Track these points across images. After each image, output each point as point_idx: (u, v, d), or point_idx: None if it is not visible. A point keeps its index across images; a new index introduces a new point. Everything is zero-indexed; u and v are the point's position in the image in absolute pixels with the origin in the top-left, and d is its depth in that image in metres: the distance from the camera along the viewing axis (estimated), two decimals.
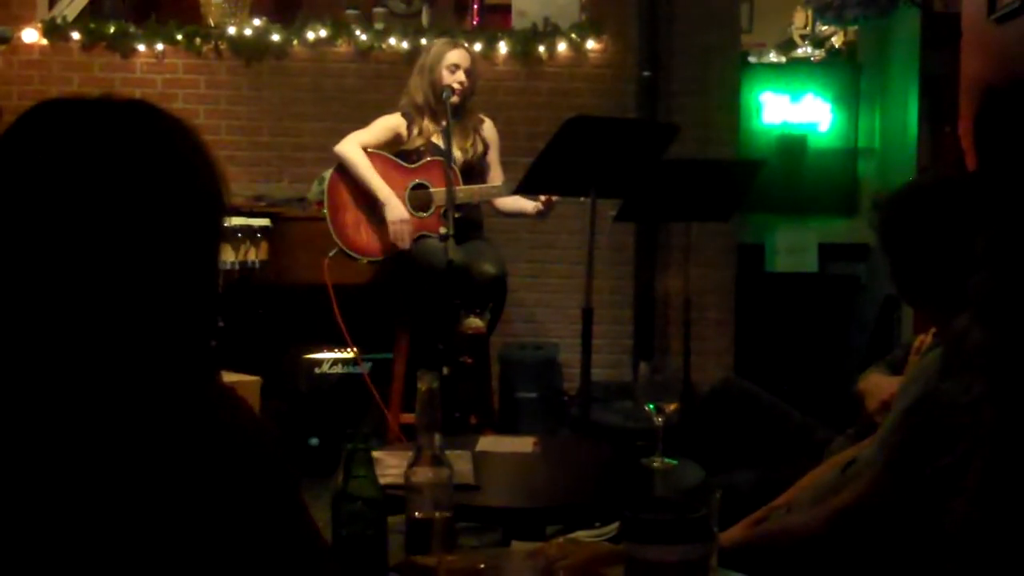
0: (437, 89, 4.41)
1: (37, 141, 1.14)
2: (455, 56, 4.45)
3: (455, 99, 4.27)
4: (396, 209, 4.35)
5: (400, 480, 1.87)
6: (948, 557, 1.08)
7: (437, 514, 1.82)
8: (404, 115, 4.53)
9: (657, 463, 2.61)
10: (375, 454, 1.80)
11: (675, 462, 2.63)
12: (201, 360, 1.21)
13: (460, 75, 4.40)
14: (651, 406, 2.57)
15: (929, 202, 1.93)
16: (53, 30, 5.46)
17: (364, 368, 4.62)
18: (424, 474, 1.83)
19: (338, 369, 4.73)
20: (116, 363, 1.12)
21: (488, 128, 4.63)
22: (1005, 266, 1.03)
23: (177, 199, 1.17)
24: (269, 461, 1.18)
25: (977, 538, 1.05)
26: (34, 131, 1.16)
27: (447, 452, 1.87)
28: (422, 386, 1.85)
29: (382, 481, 1.76)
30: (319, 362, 4.73)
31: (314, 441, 4.60)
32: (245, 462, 1.15)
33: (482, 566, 1.60)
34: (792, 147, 5.92)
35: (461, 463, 2.46)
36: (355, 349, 4.60)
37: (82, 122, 1.16)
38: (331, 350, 4.71)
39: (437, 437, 1.86)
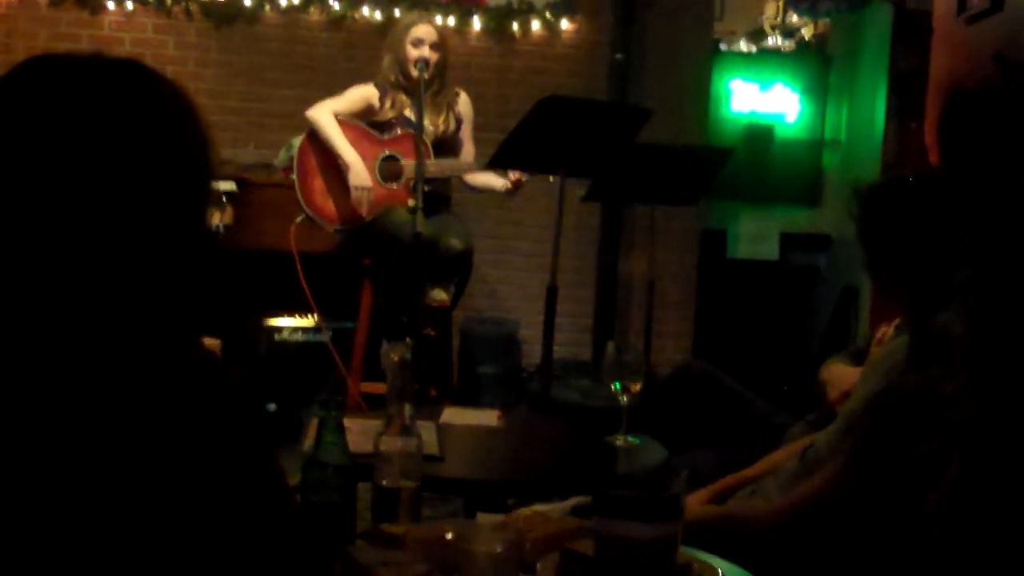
0: (404, 65, 4.39)
1: (30, 96, 1.13)
2: (419, 31, 4.42)
3: (424, 74, 4.23)
4: (360, 175, 4.32)
5: (364, 448, 1.87)
6: (924, 549, 1.11)
7: (404, 483, 1.83)
8: (378, 86, 4.50)
9: (620, 441, 2.65)
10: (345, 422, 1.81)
11: (637, 441, 2.66)
12: (185, 323, 1.21)
13: (424, 50, 4.36)
14: (617, 385, 2.60)
15: (913, 195, 1.93)
16: None
17: (326, 336, 4.62)
18: (393, 443, 1.85)
19: (298, 336, 4.73)
20: (99, 324, 1.12)
21: (463, 102, 4.59)
22: (992, 264, 1.05)
23: (170, 160, 1.17)
24: (248, 423, 1.19)
25: (955, 530, 1.08)
26: (28, 86, 1.15)
27: None
28: (394, 356, 1.86)
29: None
30: (280, 328, 4.72)
31: (271, 407, 4.60)
32: (225, 424, 1.16)
33: (449, 536, 1.60)
34: (759, 136, 5.96)
35: (425, 434, 2.47)
36: (318, 316, 4.59)
37: (77, 79, 1.15)
38: (293, 316, 4.70)
39: (408, 407, 1.88)
